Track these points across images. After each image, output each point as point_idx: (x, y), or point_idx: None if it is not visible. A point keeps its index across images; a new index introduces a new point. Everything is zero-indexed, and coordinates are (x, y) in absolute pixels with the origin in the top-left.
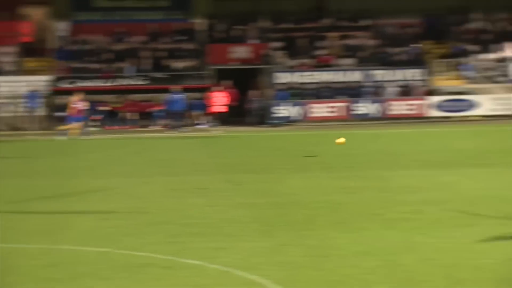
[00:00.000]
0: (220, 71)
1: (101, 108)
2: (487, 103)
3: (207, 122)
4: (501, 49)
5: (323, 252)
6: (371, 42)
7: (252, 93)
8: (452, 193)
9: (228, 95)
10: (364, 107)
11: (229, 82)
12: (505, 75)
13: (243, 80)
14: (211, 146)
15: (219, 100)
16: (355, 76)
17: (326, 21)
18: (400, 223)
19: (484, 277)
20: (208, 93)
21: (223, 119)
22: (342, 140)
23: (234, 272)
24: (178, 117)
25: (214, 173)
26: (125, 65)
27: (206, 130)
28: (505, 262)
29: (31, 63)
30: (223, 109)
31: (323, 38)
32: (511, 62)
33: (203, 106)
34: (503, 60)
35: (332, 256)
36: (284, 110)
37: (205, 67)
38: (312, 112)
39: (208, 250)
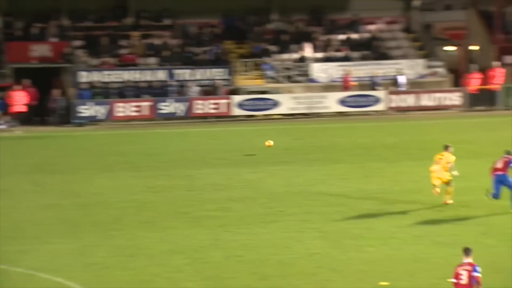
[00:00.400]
0: (20, 69)
1: None
2: (287, 102)
3: (6, 122)
4: (300, 50)
5: (131, 252)
6: (173, 41)
7: (54, 92)
8: (257, 191)
9: (27, 94)
10: (169, 106)
11: (28, 81)
12: (305, 75)
13: (45, 79)
14: (13, 146)
15: (19, 100)
16: (159, 75)
17: (128, 20)
18: (207, 220)
19: (287, 272)
20: (8, 92)
21: (24, 119)
22: (270, 143)
23: (39, 275)
24: None
25: (16, 174)
26: None
27: (6, 131)
28: (307, 257)
29: None
30: (23, 108)
31: (125, 37)
32: (310, 62)
33: (2, 106)
34: (302, 60)
35: (139, 256)
36: (88, 110)
37: (3, 65)
38: (117, 112)
39: (11, 253)
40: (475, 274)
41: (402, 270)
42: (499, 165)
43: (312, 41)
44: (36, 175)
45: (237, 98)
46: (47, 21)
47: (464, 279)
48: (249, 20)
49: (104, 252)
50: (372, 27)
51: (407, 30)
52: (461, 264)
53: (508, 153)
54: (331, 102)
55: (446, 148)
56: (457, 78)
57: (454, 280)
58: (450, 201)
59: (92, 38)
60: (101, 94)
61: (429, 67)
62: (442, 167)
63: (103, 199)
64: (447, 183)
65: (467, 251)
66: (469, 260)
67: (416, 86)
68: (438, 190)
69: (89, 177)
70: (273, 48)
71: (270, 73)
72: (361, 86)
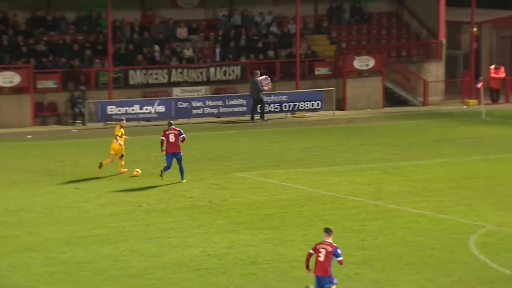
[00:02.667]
0: None
1: None
2: None
3: None
4: None
5: None
6: None
7: None
8: None
9: None
10: None
11: None
12: None
13: None
14: None
15: None
16: None
17: None
18: None
19: None
20: None
21: None
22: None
23: None
24: None
25: None
26: None
27: None
28: None
29: None
30: None
31: None
32: None
33: None
34: None
35: None
36: None
37: None
38: None
39: None
40: (338, 258)
41: None
42: (172, 139)
43: None
44: None
45: None
46: None
47: (321, 257)
48: None
49: None
50: None
51: None
52: (322, 242)
53: (171, 124)
54: None
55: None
56: None
57: (312, 252)
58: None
59: None
60: None
61: None
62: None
63: None
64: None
65: (328, 231)
66: (329, 240)
67: None
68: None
69: None
70: None
71: None
72: None
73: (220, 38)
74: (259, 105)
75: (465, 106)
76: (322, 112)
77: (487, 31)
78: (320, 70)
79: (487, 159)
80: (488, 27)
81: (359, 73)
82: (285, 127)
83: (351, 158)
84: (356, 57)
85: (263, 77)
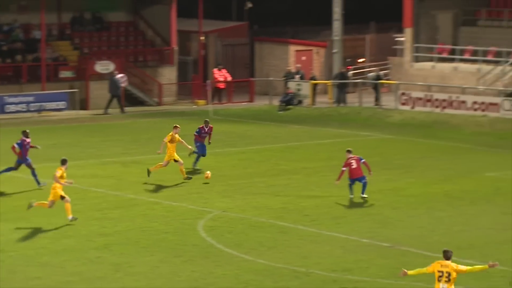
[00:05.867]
0: None
1: None
2: None
3: None
4: None
5: None
6: None
7: None
8: None
9: None
10: None
11: None
12: None
13: None
14: None
15: None
16: None
17: None
18: None
19: None
20: None
21: None
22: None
23: None
24: None
25: None
26: None
27: None
28: None
29: None
30: None
31: None
32: None
33: None
34: None
35: None
36: None
37: None
38: None
39: None
40: (363, 160)
41: None
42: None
43: None
44: None
45: None
46: None
47: (354, 165)
48: None
49: None
50: None
51: None
52: (349, 158)
53: (25, 134)
54: None
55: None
56: None
57: (345, 169)
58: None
59: None
60: None
61: None
62: None
63: None
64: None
65: (349, 151)
66: (353, 155)
67: None
68: None
69: None
70: None
71: None
72: None
73: None
74: (117, 100)
75: (195, 106)
76: (67, 112)
77: (213, 40)
78: (65, 73)
79: (214, 153)
80: (213, 36)
81: (101, 76)
82: (32, 125)
83: (93, 153)
84: (98, 62)
85: (121, 75)
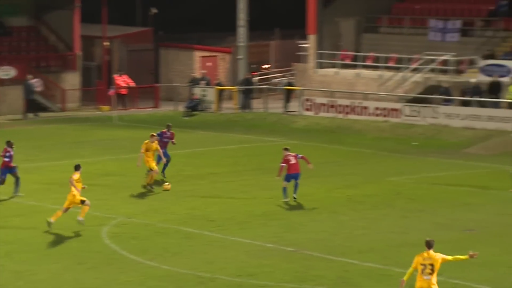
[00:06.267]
0: None
1: None
2: None
3: None
4: None
5: None
6: None
7: None
8: None
9: None
10: None
11: None
12: None
13: None
14: None
15: None
16: None
17: None
18: None
19: None
20: None
21: None
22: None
23: None
24: None
25: None
26: None
27: None
28: None
29: None
30: None
31: None
32: None
33: None
34: None
35: None
36: None
37: None
38: None
39: None
40: (300, 156)
41: None
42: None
43: None
44: None
45: None
46: None
47: (293, 160)
48: None
49: None
50: None
51: None
52: (287, 155)
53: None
54: None
55: None
56: None
57: (284, 165)
58: None
59: None
60: None
61: None
62: None
63: None
64: None
65: (286, 149)
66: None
67: None
68: None
69: None
70: None
71: None
72: None
73: None
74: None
75: (99, 112)
76: None
77: (117, 45)
78: None
79: (119, 159)
80: (118, 42)
81: (2, 82)
82: None
83: None
84: None
85: (36, 80)
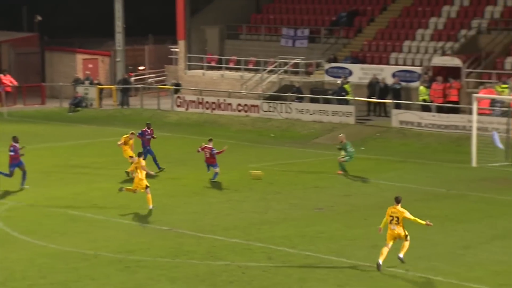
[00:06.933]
0: None
1: None
2: None
3: None
4: None
5: None
6: None
7: None
8: None
9: None
10: None
11: None
12: None
13: None
14: None
15: None
16: None
17: None
18: None
19: None
20: None
21: None
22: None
23: None
24: None
25: None
26: None
27: None
28: None
29: None
30: None
31: None
32: None
33: None
34: None
35: None
36: None
37: None
38: None
39: None
40: (214, 151)
41: None
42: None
43: None
44: None
45: None
46: None
47: (207, 154)
48: None
49: None
50: None
51: None
52: (205, 146)
53: (15, 140)
54: None
55: None
56: None
57: (200, 150)
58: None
59: None
60: None
61: None
62: None
63: None
64: None
65: (210, 140)
66: (210, 145)
67: None
68: None
69: None
70: None
71: None
72: None
73: None
74: None
75: None
76: None
77: (6, 49)
78: None
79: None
80: (7, 46)
81: None
82: None
83: None
84: None
85: None
